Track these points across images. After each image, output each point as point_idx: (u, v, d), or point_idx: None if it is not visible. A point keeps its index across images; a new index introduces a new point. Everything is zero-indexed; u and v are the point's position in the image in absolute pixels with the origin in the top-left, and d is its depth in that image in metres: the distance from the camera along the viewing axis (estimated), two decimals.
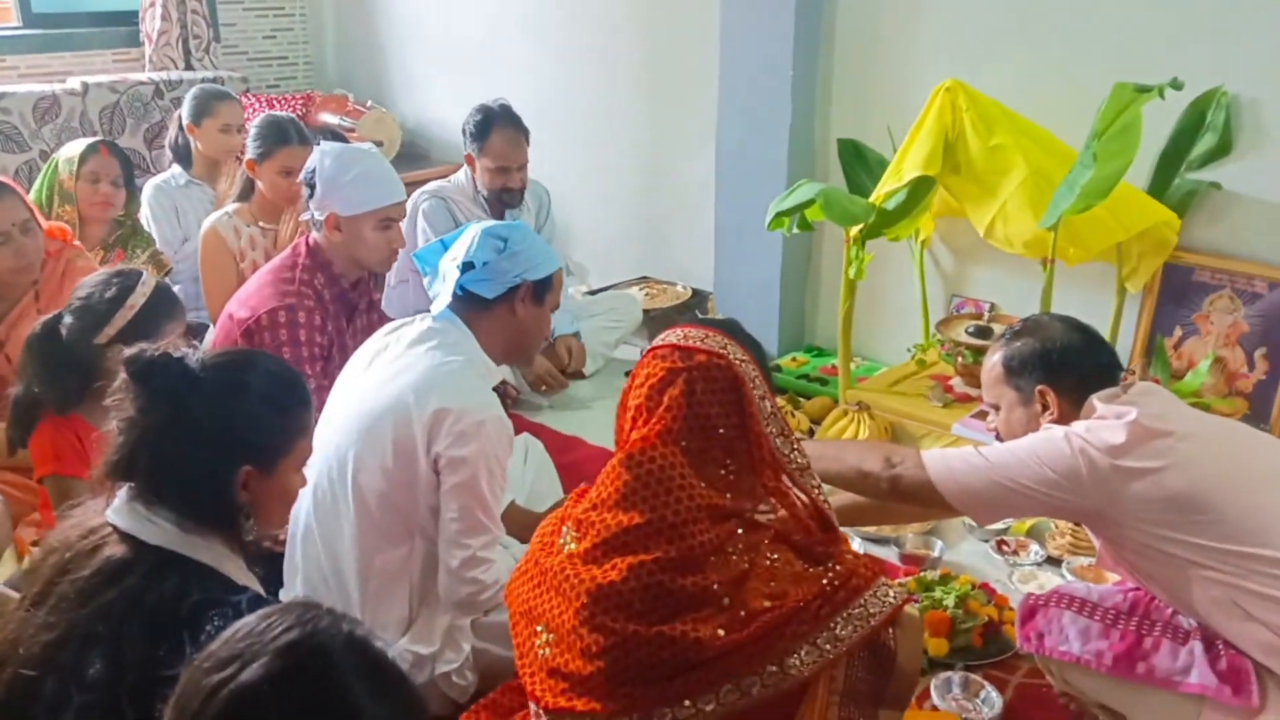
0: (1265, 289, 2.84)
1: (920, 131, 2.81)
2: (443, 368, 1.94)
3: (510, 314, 2.05)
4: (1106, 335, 3.02)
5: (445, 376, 1.94)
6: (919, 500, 1.85)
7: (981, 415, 2.73)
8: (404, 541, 1.99)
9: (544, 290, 2.08)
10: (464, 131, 3.41)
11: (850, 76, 3.50)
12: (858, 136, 3.43)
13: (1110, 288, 3.01)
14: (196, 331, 3.18)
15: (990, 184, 2.75)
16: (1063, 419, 1.83)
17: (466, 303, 2.03)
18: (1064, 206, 2.46)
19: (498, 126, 3.33)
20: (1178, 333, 3.01)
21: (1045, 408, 1.87)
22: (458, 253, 2.03)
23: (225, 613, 1.33)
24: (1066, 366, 1.88)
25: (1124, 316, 3.03)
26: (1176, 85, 2.49)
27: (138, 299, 2.16)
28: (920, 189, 2.85)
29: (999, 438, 1.96)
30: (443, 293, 2.05)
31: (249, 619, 1.06)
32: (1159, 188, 2.90)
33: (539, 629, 1.53)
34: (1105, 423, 1.74)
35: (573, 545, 1.54)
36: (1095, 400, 1.80)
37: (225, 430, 1.43)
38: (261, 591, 1.44)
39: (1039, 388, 1.88)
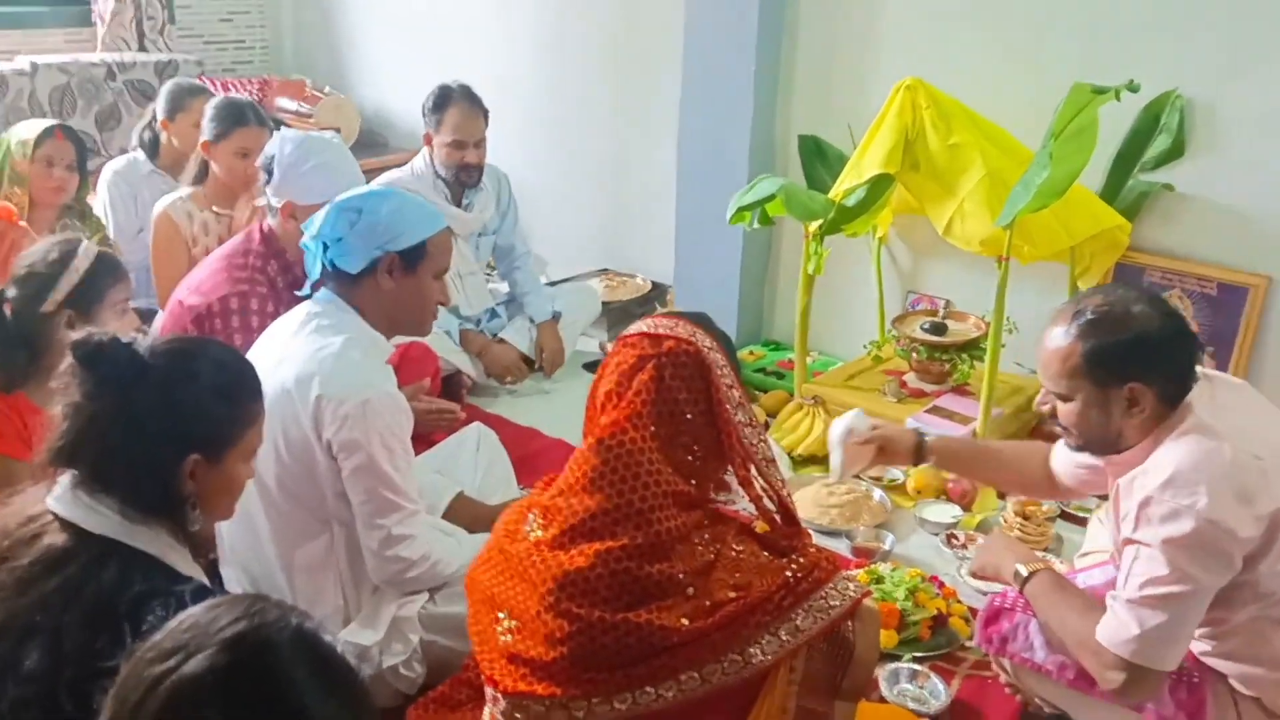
0: (1215, 290, 2.89)
1: (880, 129, 2.83)
2: (320, 351, 1.89)
3: (376, 287, 1.96)
4: None
5: (322, 360, 1.88)
6: (1141, 695, 1.67)
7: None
8: (321, 532, 1.96)
9: (415, 258, 1.97)
10: (423, 110, 3.43)
11: (812, 72, 3.51)
12: (818, 132, 3.44)
13: (1063, 286, 3.06)
14: (146, 318, 3.13)
15: (949, 182, 2.77)
16: (1152, 419, 1.67)
17: (338, 279, 1.97)
18: (1020, 206, 2.48)
19: (454, 101, 3.36)
20: None
21: (1133, 405, 1.66)
22: (314, 228, 1.97)
23: (168, 603, 1.31)
24: (1163, 361, 1.65)
25: None
26: (1133, 87, 2.53)
27: (81, 263, 2.13)
28: (879, 186, 2.87)
29: (1057, 423, 1.79)
30: (312, 271, 1.99)
31: (195, 610, 1.04)
32: (1113, 188, 2.95)
33: (501, 615, 1.53)
34: (1203, 464, 1.58)
35: (539, 532, 1.54)
36: (1195, 406, 1.65)
37: (173, 419, 1.41)
38: (206, 582, 1.42)
39: (1131, 385, 1.65)
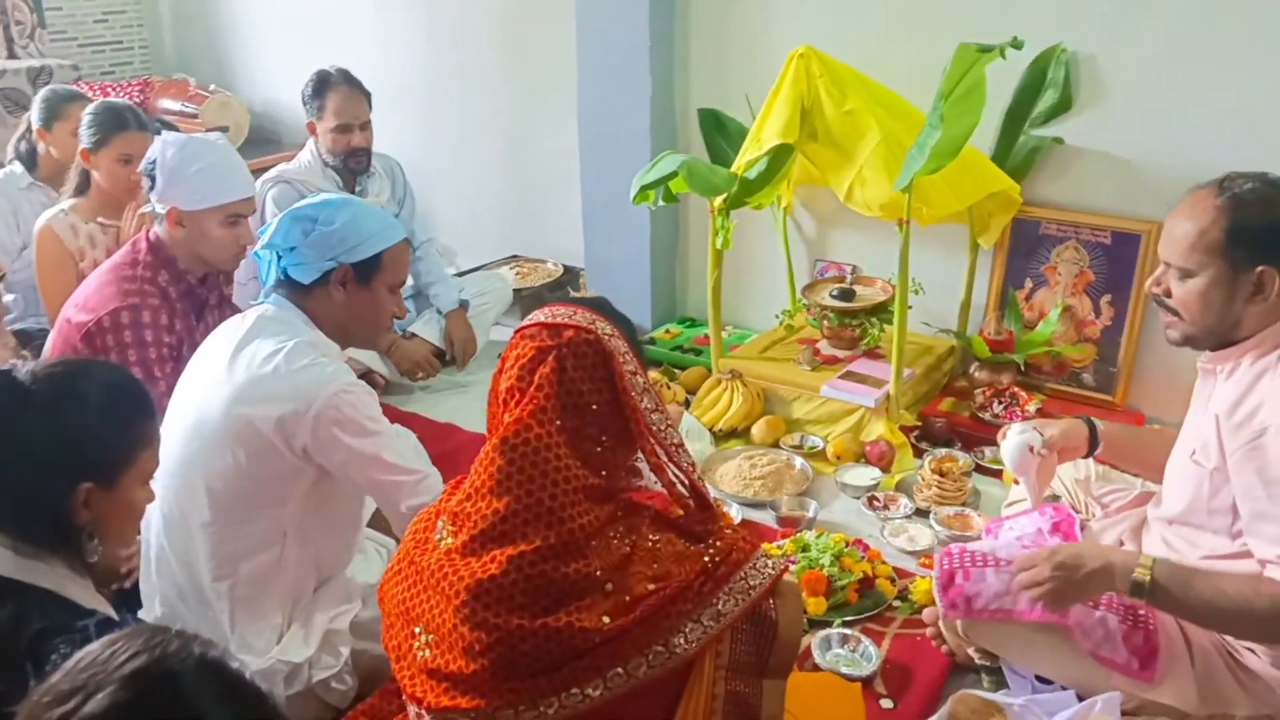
0: (1108, 238, 2.97)
1: (777, 99, 2.83)
2: (272, 359, 1.84)
3: (329, 298, 1.93)
4: (961, 291, 3.15)
5: (280, 363, 1.83)
6: None
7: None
8: (273, 544, 1.91)
9: (370, 271, 1.94)
10: (302, 100, 3.36)
11: (707, 46, 3.50)
12: (718, 105, 3.44)
13: (964, 245, 3.12)
14: (37, 338, 3.00)
15: (847, 149, 2.79)
16: (1270, 309, 1.65)
17: (291, 287, 1.94)
18: (916, 168, 2.51)
19: (333, 85, 3.31)
20: (1028, 285, 3.13)
21: (1259, 290, 1.64)
22: (267, 237, 1.94)
23: (72, 639, 1.26)
24: None
25: (978, 272, 3.14)
26: (1017, 44, 2.57)
27: None
28: (780, 157, 2.88)
29: (1166, 305, 1.75)
30: (268, 279, 1.96)
31: (92, 647, 0.99)
32: (1005, 145, 3.00)
33: (417, 630, 1.50)
34: None
35: (450, 540, 1.51)
36: None
37: (60, 446, 1.35)
38: (113, 614, 1.37)
39: (1261, 269, 1.62)
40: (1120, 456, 2.10)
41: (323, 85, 3.31)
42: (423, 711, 1.46)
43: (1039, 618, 1.75)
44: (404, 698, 1.51)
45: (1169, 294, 1.74)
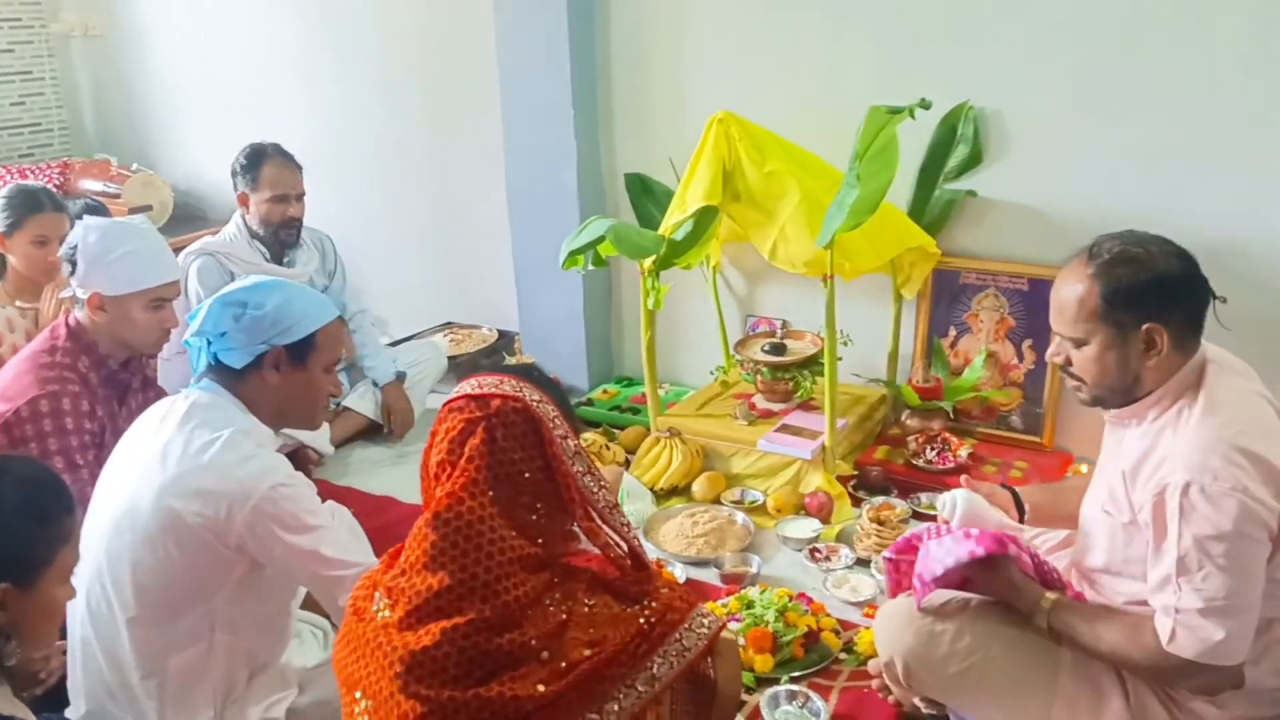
0: (1026, 285, 3.07)
1: (699, 162, 2.89)
2: (206, 450, 1.80)
3: (263, 382, 1.90)
4: (888, 341, 3.22)
5: (216, 454, 1.79)
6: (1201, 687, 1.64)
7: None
8: (201, 638, 1.86)
9: (304, 352, 1.92)
10: (233, 173, 3.36)
11: (630, 111, 3.57)
12: (643, 169, 3.50)
13: (888, 297, 3.19)
14: None
15: (769, 209, 2.85)
16: (1165, 362, 1.69)
17: (222, 372, 1.91)
18: (836, 226, 2.57)
19: (269, 157, 3.33)
20: (952, 333, 3.21)
21: (1151, 347, 1.68)
22: (197, 324, 1.92)
23: None
24: (1177, 300, 1.67)
25: (903, 322, 3.22)
26: (925, 105, 2.66)
27: None
28: (705, 218, 2.93)
29: (1069, 373, 1.79)
30: (198, 366, 1.93)
31: None
32: (921, 200, 3.09)
33: (358, 694, 1.49)
34: (1217, 444, 1.58)
35: (386, 613, 1.49)
36: (1211, 357, 1.70)
37: None
38: (32, 719, 1.32)
39: (1146, 326, 1.66)
40: (1045, 519, 2.12)
41: (258, 157, 3.32)
42: None
43: (984, 553, 1.75)
44: None
45: (1069, 362, 1.79)
